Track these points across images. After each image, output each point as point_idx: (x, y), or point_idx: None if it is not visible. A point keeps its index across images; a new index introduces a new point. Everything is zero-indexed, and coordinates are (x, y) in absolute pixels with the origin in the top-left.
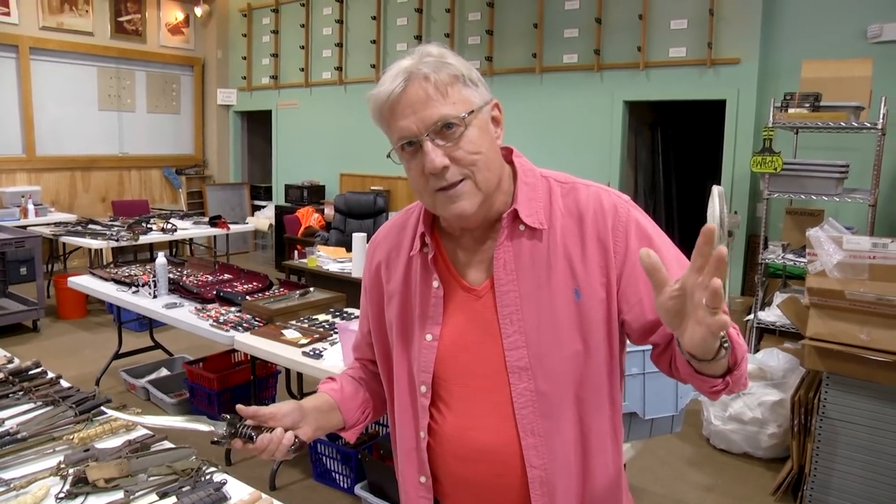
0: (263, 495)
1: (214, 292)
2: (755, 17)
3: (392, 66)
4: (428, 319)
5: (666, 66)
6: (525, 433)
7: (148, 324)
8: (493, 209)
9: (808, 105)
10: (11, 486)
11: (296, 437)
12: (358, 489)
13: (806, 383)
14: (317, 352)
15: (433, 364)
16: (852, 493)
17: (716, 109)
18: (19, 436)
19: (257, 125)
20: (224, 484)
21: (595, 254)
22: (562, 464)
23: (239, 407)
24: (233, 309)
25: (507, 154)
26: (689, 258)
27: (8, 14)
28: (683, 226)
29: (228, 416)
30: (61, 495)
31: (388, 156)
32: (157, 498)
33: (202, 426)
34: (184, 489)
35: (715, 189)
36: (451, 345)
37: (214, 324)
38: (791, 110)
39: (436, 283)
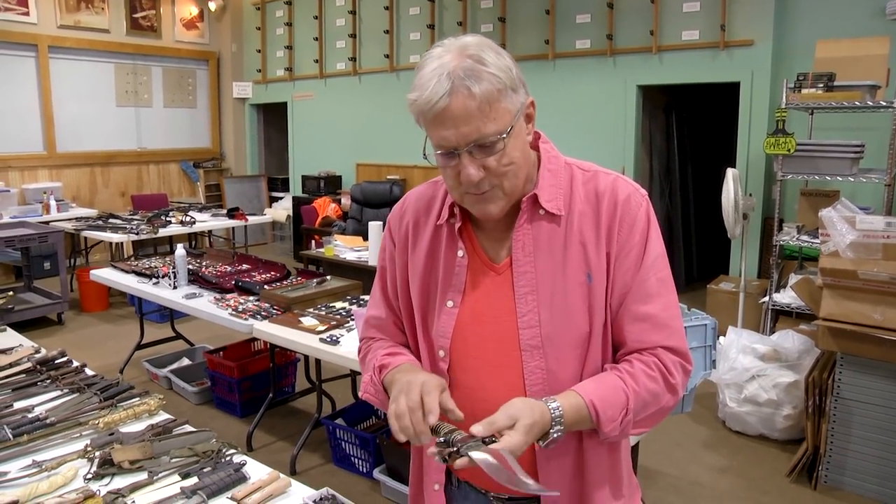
0: (281, 475)
1: (233, 282)
2: None
3: (430, 60)
4: (451, 287)
5: (679, 49)
6: None
7: (169, 315)
8: (516, 198)
9: (821, 85)
10: (43, 467)
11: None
12: (376, 473)
13: (820, 364)
14: (334, 338)
15: (452, 330)
16: (867, 472)
17: (730, 92)
18: (48, 421)
19: (273, 117)
20: (244, 465)
21: (604, 240)
22: (565, 441)
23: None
24: (251, 298)
25: (535, 139)
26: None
27: (27, 14)
28: (699, 209)
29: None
30: (89, 476)
31: (424, 156)
32: (180, 478)
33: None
34: (205, 470)
35: (729, 172)
36: (470, 316)
37: (234, 313)
38: (804, 91)
39: (461, 253)
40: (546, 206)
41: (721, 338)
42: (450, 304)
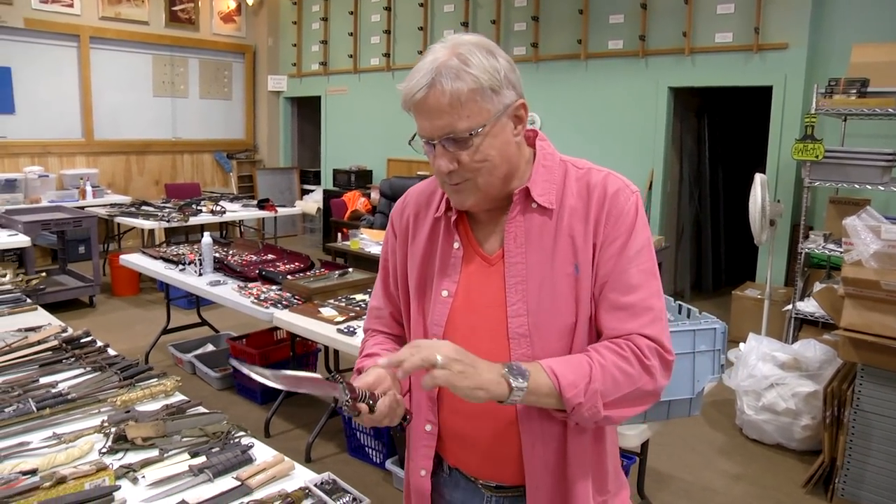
0: (286, 458)
1: (257, 271)
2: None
3: (427, 54)
4: (445, 277)
5: (712, 51)
6: None
7: (196, 302)
8: (503, 193)
9: (854, 91)
10: (62, 439)
11: (406, 411)
12: (389, 464)
13: (840, 375)
14: (351, 329)
15: (446, 318)
16: (885, 488)
17: (764, 96)
18: (70, 397)
19: (307, 111)
20: (251, 447)
21: (591, 231)
22: (548, 428)
23: (381, 362)
24: (274, 287)
25: (532, 137)
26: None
27: (71, 6)
28: (729, 214)
29: (343, 380)
30: (104, 450)
31: (410, 143)
32: (189, 456)
33: (328, 389)
34: (213, 450)
35: (757, 177)
36: (463, 305)
37: (255, 301)
38: (836, 97)
39: (456, 245)
40: (538, 200)
41: (741, 344)
42: (444, 293)
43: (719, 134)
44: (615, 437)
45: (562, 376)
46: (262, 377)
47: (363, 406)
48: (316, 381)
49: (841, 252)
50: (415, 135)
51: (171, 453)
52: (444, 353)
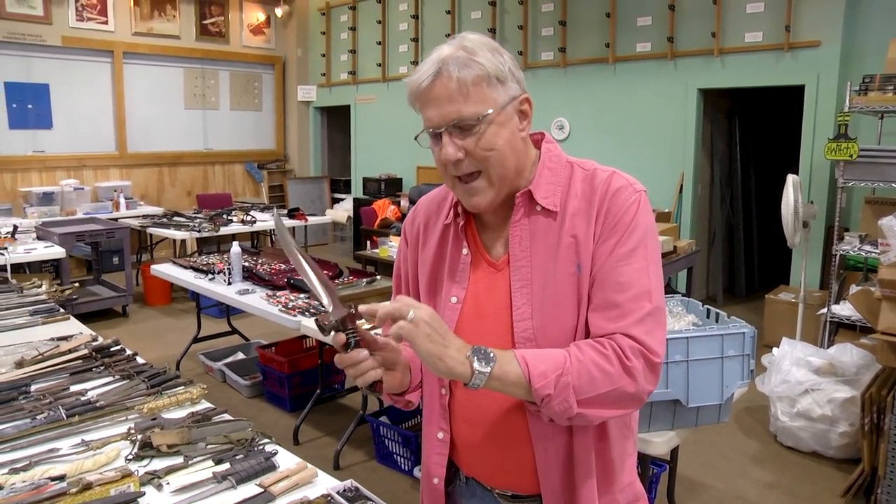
0: (308, 465)
1: (285, 280)
2: None
3: (434, 50)
4: (455, 283)
5: (742, 51)
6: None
7: (226, 310)
8: (515, 189)
9: (891, 88)
10: (90, 446)
11: (377, 382)
12: (416, 471)
13: (879, 380)
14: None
15: (455, 324)
16: None
17: (796, 95)
18: (98, 404)
19: (336, 120)
20: (274, 454)
21: (592, 230)
22: (557, 428)
23: (362, 308)
24: (302, 296)
25: (539, 139)
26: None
27: (106, 23)
28: (762, 217)
29: (353, 308)
30: (130, 457)
31: (416, 138)
32: (213, 463)
33: (324, 299)
34: (237, 457)
35: (790, 178)
36: (471, 311)
37: (283, 309)
38: (871, 94)
39: (465, 251)
40: (542, 203)
41: (775, 349)
42: (453, 300)
43: (751, 135)
44: (627, 445)
45: (532, 366)
46: (285, 241)
47: (342, 336)
48: (326, 280)
49: (877, 253)
50: (422, 131)
51: (195, 460)
52: (419, 315)
